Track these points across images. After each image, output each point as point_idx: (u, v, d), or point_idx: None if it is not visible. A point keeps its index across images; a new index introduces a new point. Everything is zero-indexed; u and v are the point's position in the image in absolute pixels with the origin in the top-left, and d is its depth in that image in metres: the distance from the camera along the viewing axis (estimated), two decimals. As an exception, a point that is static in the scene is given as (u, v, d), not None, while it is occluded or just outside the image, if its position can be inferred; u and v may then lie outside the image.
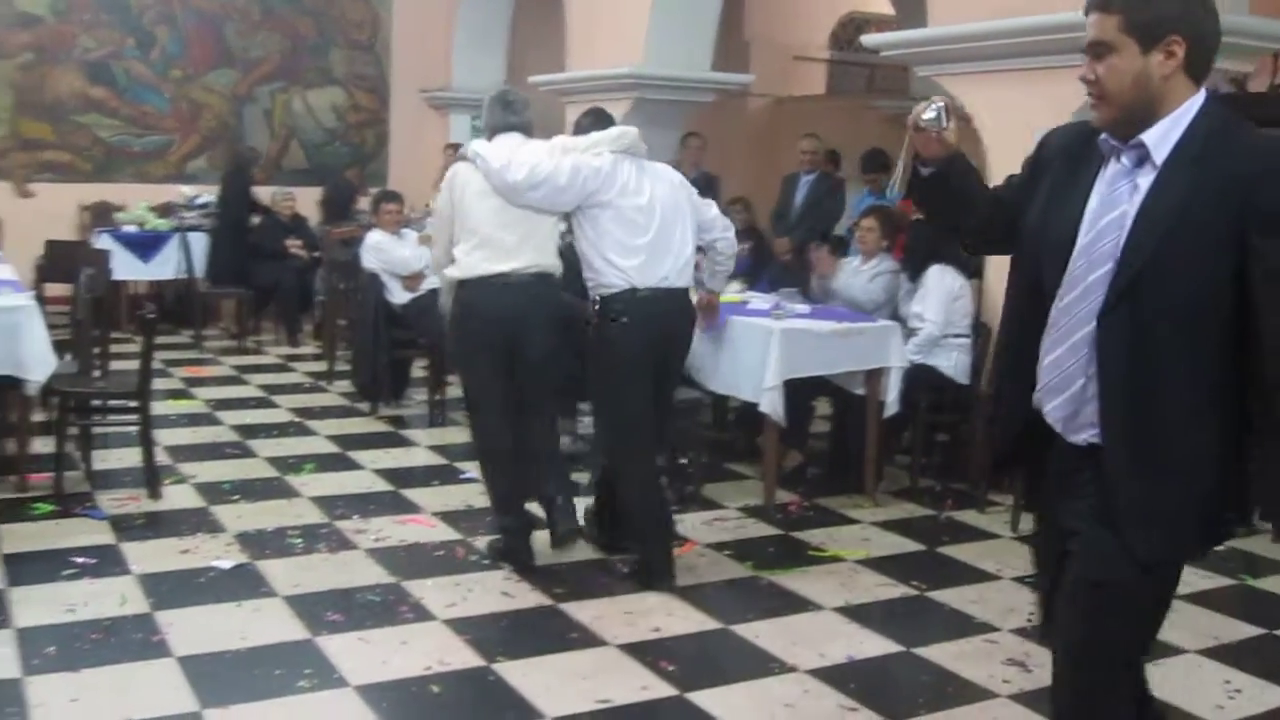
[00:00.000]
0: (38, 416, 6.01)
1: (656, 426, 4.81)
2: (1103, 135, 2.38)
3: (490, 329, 4.71)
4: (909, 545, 5.36)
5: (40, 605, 4.22)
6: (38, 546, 4.84)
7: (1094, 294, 2.33)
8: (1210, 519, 2.39)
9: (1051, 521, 2.53)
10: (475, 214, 4.71)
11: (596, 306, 4.69)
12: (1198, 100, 2.33)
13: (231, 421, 7.16)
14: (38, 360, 5.31)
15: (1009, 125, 6.15)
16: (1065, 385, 2.38)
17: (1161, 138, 2.31)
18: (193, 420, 7.20)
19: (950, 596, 4.73)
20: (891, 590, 4.79)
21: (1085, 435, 2.38)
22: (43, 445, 5.74)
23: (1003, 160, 6.22)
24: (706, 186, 9.13)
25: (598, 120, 4.93)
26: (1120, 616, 2.41)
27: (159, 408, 6.71)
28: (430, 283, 7.23)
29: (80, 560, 4.70)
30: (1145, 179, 2.32)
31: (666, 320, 4.70)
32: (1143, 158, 2.33)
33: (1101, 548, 2.36)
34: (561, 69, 10.08)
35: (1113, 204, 2.34)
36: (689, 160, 9.20)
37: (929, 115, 2.56)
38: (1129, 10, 2.30)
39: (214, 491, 5.69)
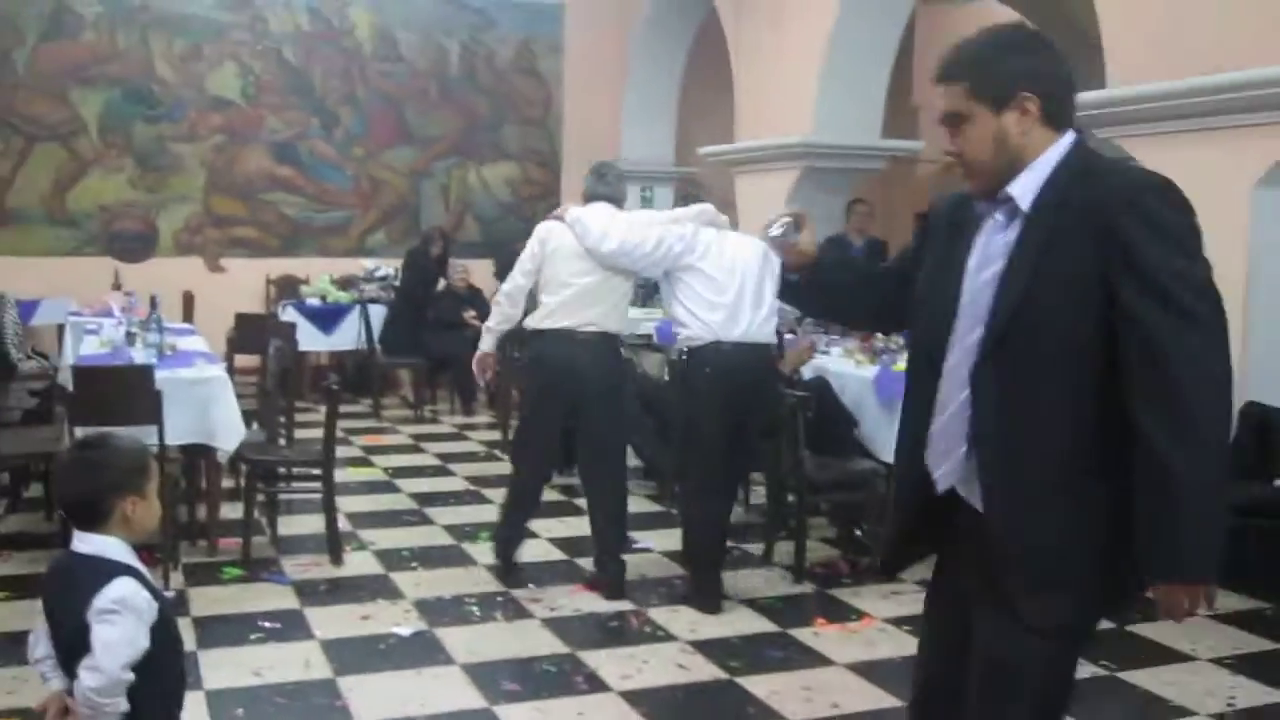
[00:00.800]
0: (227, 483, 6.22)
1: (732, 469, 5.35)
2: (980, 206, 2.39)
3: (556, 378, 5.26)
4: (1102, 623, 5.13)
5: (228, 668, 4.34)
6: (226, 610, 4.99)
7: (972, 354, 2.29)
8: (1115, 575, 2.28)
9: (951, 595, 2.52)
10: (565, 271, 5.27)
11: (684, 357, 5.22)
12: (1062, 144, 2.31)
13: (410, 490, 7.30)
14: (229, 429, 5.51)
15: (1195, 187, 5.90)
16: (950, 450, 2.34)
17: (1026, 188, 2.28)
18: (372, 488, 7.36)
19: (1142, 678, 4.52)
20: (1080, 669, 4.59)
21: (976, 500, 2.34)
22: (231, 511, 5.93)
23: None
24: (875, 253, 9.11)
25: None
26: (1025, 694, 2.33)
27: (340, 475, 6.89)
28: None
29: (266, 624, 4.82)
30: (1014, 232, 2.30)
31: (747, 370, 5.12)
32: (1013, 211, 2.30)
33: (998, 622, 2.32)
34: (730, 139, 10.14)
35: (987, 262, 2.31)
36: (855, 227, 9.17)
37: (775, 231, 2.63)
38: (973, 77, 2.29)
39: (393, 558, 5.80)
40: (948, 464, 2.36)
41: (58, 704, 2.53)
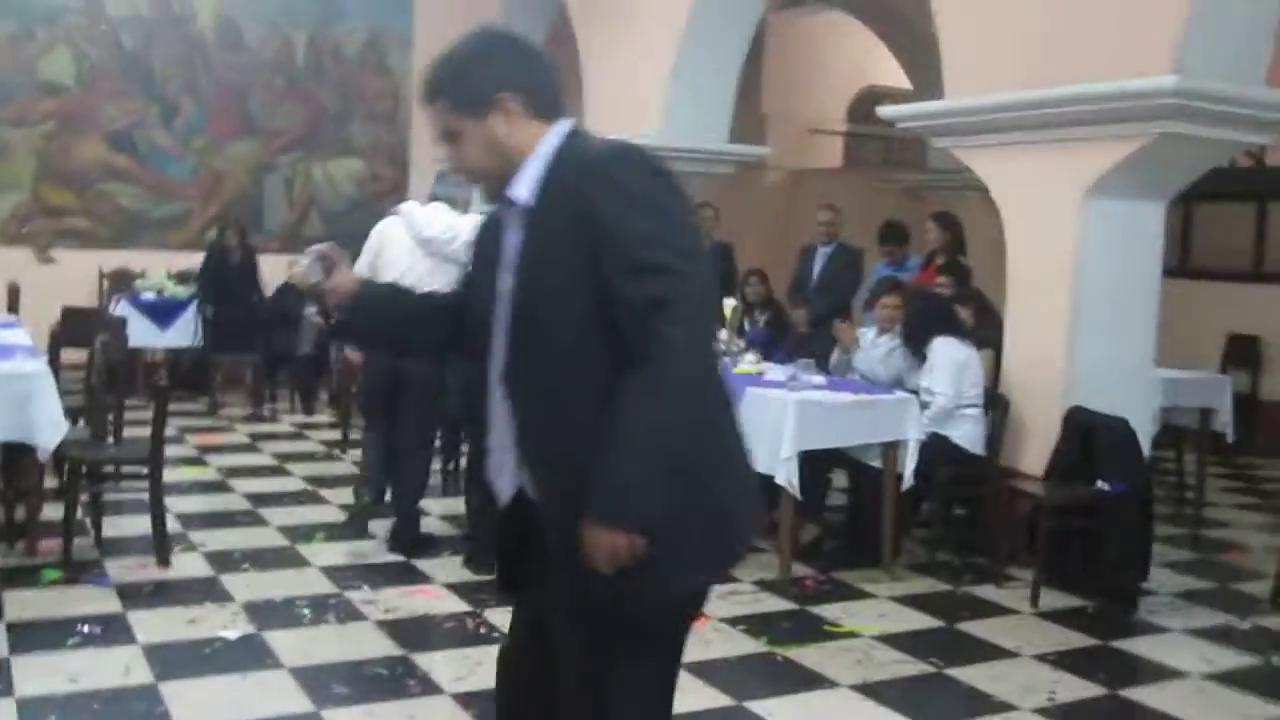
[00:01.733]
0: (50, 483, 5.98)
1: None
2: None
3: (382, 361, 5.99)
4: (927, 621, 5.26)
5: (43, 674, 4.16)
6: (44, 614, 4.79)
7: (493, 358, 2.37)
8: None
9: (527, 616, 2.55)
10: (395, 260, 5.88)
11: None
12: (555, 134, 2.34)
13: (244, 490, 7.12)
14: (49, 426, 5.29)
15: (1028, 199, 6.14)
16: (503, 460, 2.38)
17: (525, 184, 2.31)
18: (205, 488, 7.16)
19: (969, 674, 4.63)
20: (909, 667, 4.69)
21: (520, 484, 2.38)
22: (53, 511, 5.69)
23: (1022, 233, 6.21)
24: (723, 257, 9.19)
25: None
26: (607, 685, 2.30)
27: (172, 475, 6.68)
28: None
29: (86, 629, 4.64)
30: (520, 231, 2.33)
31: None
32: (520, 211, 2.33)
33: (573, 637, 2.30)
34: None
35: (505, 268, 2.35)
36: (701, 231, 9.21)
37: (300, 276, 2.61)
38: (449, 95, 2.34)
39: (224, 560, 5.64)
40: (505, 474, 2.39)
41: None
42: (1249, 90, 5.55)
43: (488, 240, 2.47)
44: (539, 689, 2.44)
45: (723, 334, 6.72)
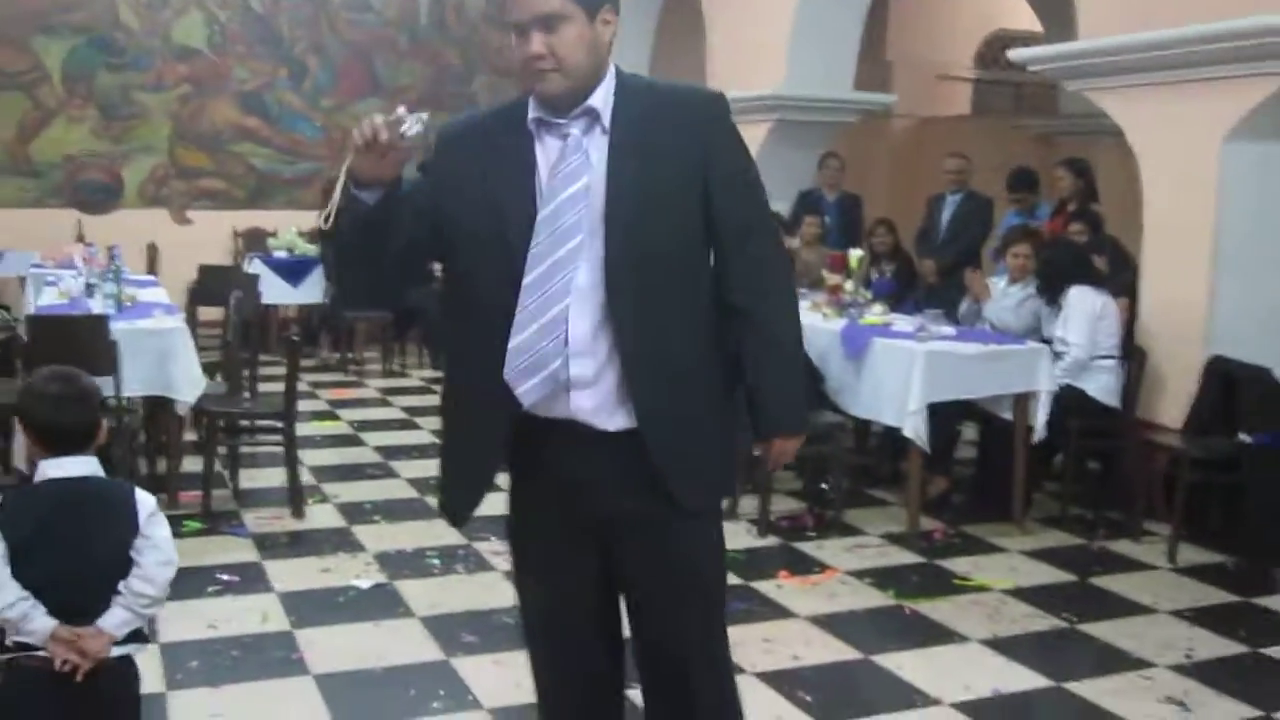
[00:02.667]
0: (189, 437, 6.16)
1: None
2: (531, 115, 2.36)
3: None
4: (1060, 575, 5.16)
5: (185, 621, 4.29)
6: (185, 563, 4.88)
7: (565, 270, 2.29)
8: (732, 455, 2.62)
9: (569, 525, 2.48)
10: None
11: None
12: (612, 68, 2.41)
13: (375, 443, 7.25)
14: (188, 381, 5.45)
15: (1165, 141, 5.92)
16: (540, 366, 2.30)
17: (604, 97, 2.36)
18: (336, 442, 7.31)
19: (1103, 630, 4.53)
20: (1041, 622, 4.61)
21: (618, 420, 2.36)
22: (192, 464, 5.87)
23: (1159, 178, 6.00)
24: (851, 207, 9.06)
25: None
26: (712, 585, 2.57)
27: (305, 429, 6.84)
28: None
29: (225, 577, 4.78)
30: (598, 145, 2.34)
31: None
32: (591, 125, 2.36)
33: (668, 528, 2.42)
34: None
35: (571, 177, 2.31)
36: (827, 181, 9.09)
37: (417, 129, 2.28)
38: None
39: (356, 512, 5.76)
40: (536, 379, 2.30)
41: (68, 638, 2.57)
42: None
43: (473, 149, 2.39)
44: (604, 632, 2.60)
45: (848, 285, 6.63)
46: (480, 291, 2.37)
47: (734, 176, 2.41)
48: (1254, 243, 5.74)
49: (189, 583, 4.68)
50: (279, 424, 5.70)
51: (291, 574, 4.86)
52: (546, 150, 2.35)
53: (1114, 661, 4.23)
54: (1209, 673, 4.16)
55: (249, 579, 4.79)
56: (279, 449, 5.76)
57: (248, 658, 4.05)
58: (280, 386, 5.83)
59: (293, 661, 4.03)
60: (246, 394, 6.59)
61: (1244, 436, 5.32)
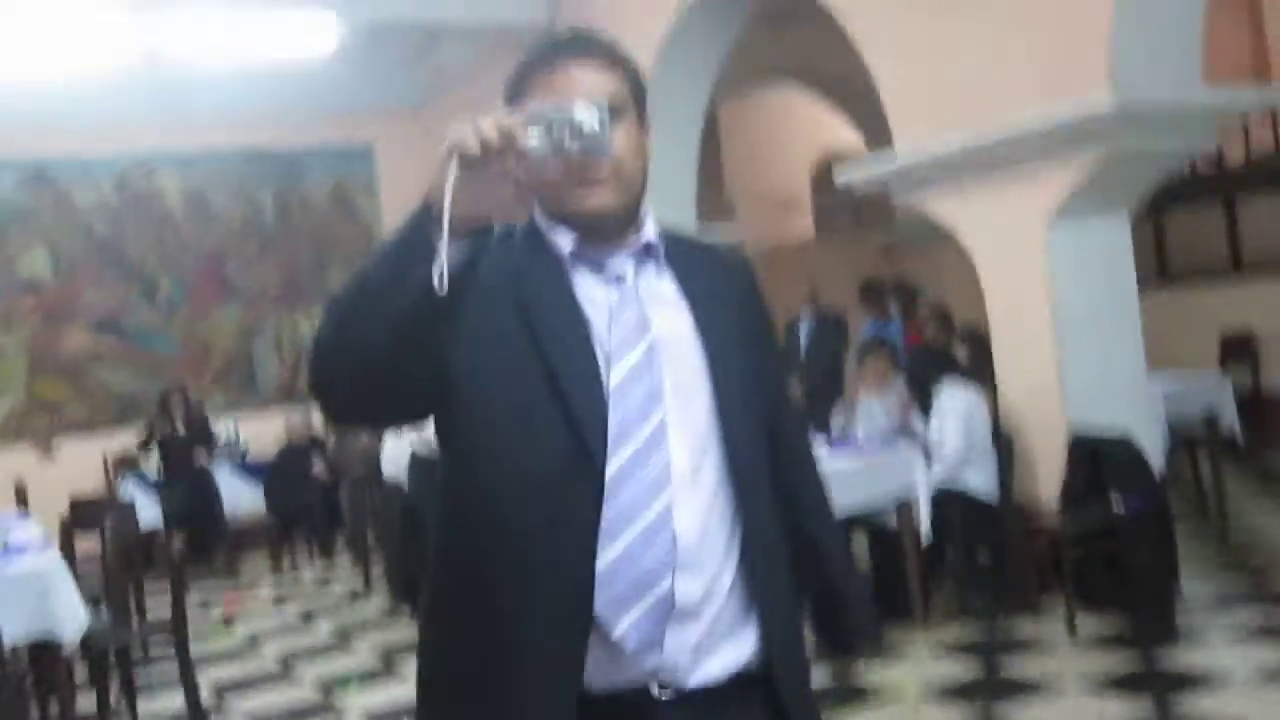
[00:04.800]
0: (80, 673, 5.97)
1: None
2: (567, 246, 1.73)
3: None
4: (969, 666, 5.24)
5: None
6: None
7: (658, 449, 1.66)
8: None
9: None
10: None
11: None
12: None
13: (273, 650, 7.10)
14: (70, 617, 5.30)
15: (993, 235, 6.22)
16: (646, 586, 1.63)
17: (652, 229, 1.80)
18: (234, 654, 7.14)
19: (1018, 713, 4.60)
20: (959, 715, 4.67)
21: (723, 661, 1.70)
22: (87, 702, 5.68)
23: (994, 269, 6.28)
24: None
25: None
26: None
27: (200, 646, 6.67)
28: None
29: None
30: (657, 292, 1.77)
31: None
32: (641, 264, 1.78)
33: None
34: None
35: (637, 332, 1.71)
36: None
37: (591, 126, 1.56)
38: (630, 71, 1.80)
39: (262, 722, 5.63)
40: (640, 609, 1.63)
41: None
42: (1187, 94, 5.65)
43: (528, 288, 1.71)
44: None
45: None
46: (527, 481, 1.66)
47: (775, 355, 2.03)
48: (1093, 314, 6.02)
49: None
50: (171, 645, 5.56)
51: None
52: (589, 293, 1.73)
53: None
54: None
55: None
56: (175, 670, 5.62)
57: None
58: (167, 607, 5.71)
59: None
60: (135, 620, 6.42)
61: (1117, 504, 5.52)
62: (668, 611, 1.62)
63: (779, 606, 1.76)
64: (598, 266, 1.76)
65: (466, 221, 1.52)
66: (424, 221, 1.54)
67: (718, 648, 1.69)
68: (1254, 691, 4.53)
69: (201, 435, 10.53)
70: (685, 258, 1.82)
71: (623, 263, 1.77)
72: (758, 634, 1.73)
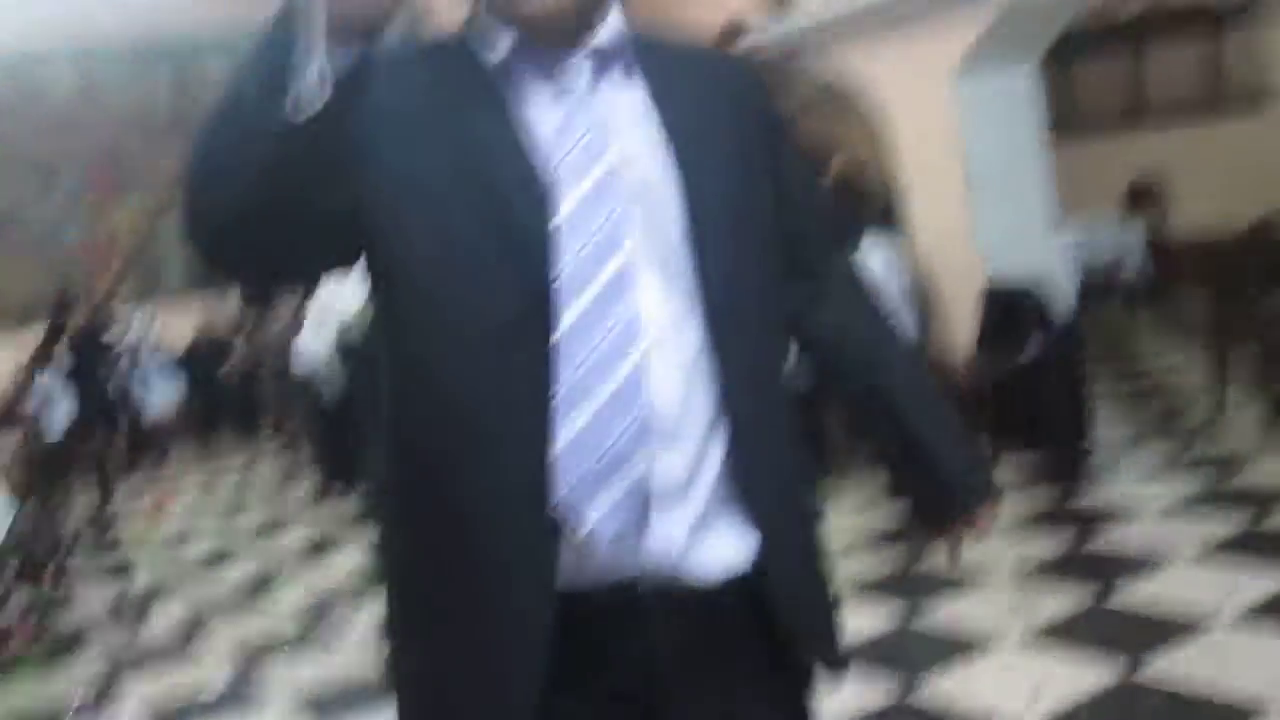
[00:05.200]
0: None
1: None
2: (499, 53, 1.41)
3: None
4: (891, 514, 5.39)
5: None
6: (32, 702, 4.79)
7: (623, 297, 1.35)
8: None
9: None
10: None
11: None
12: None
13: (203, 538, 7.10)
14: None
15: (902, 90, 6.24)
16: (615, 468, 1.34)
17: (615, 41, 1.44)
18: (163, 546, 7.14)
19: (940, 558, 4.75)
20: (883, 561, 4.81)
21: (721, 556, 1.42)
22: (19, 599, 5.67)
23: (904, 125, 6.31)
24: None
25: None
26: None
27: (129, 541, 6.67)
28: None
29: (77, 704, 4.65)
30: (619, 102, 1.43)
31: None
32: (601, 70, 1.44)
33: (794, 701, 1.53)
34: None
35: (594, 150, 1.39)
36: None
37: None
38: None
39: (206, 608, 5.65)
40: (614, 494, 1.34)
41: None
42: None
43: (455, 103, 1.39)
44: None
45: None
46: (468, 343, 1.37)
47: (807, 196, 1.65)
48: (1003, 166, 6.09)
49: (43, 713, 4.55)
50: (98, 542, 5.55)
51: (145, 686, 4.75)
52: (534, 109, 1.40)
53: (953, 583, 4.44)
54: (1045, 572, 4.41)
55: (102, 701, 4.67)
56: (104, 565, 5.62)
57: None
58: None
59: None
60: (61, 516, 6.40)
61: (1028, 351, 5.65)
62: (646, 496, 1.35)
63: (780, 496, 1.47)
64: (544, 74, 1.42)
65: (349, 20, 1.16)
66: (290, 20, 1.16)
67: (713, 539, 1.41)
68: (1161, 524, 4.71)
69: (110, 328, 10.35)
70: (663, 64, 1.48)
71: (577, 69, 1.42)
72: (756, 529, 1.43)
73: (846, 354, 1.64)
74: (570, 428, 1.34)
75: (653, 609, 1.39)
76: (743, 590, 1.43)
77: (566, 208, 1.36)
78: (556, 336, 1.34)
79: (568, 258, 1.35)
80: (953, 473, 1.64)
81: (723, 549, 1.42)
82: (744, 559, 1.43)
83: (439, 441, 1.40)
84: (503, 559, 1.37)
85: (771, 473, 1.46)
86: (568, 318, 1.34)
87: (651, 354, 1.36)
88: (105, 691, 4.69)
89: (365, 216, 1.35)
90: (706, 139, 1.45)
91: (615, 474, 1.34)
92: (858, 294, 1.67)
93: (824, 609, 1.54)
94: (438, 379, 1.39)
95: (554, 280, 1.34)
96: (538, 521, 1.35)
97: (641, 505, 1.35)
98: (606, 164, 1.39)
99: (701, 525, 1.40)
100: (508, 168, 1.37)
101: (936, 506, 1.67)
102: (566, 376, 1.34)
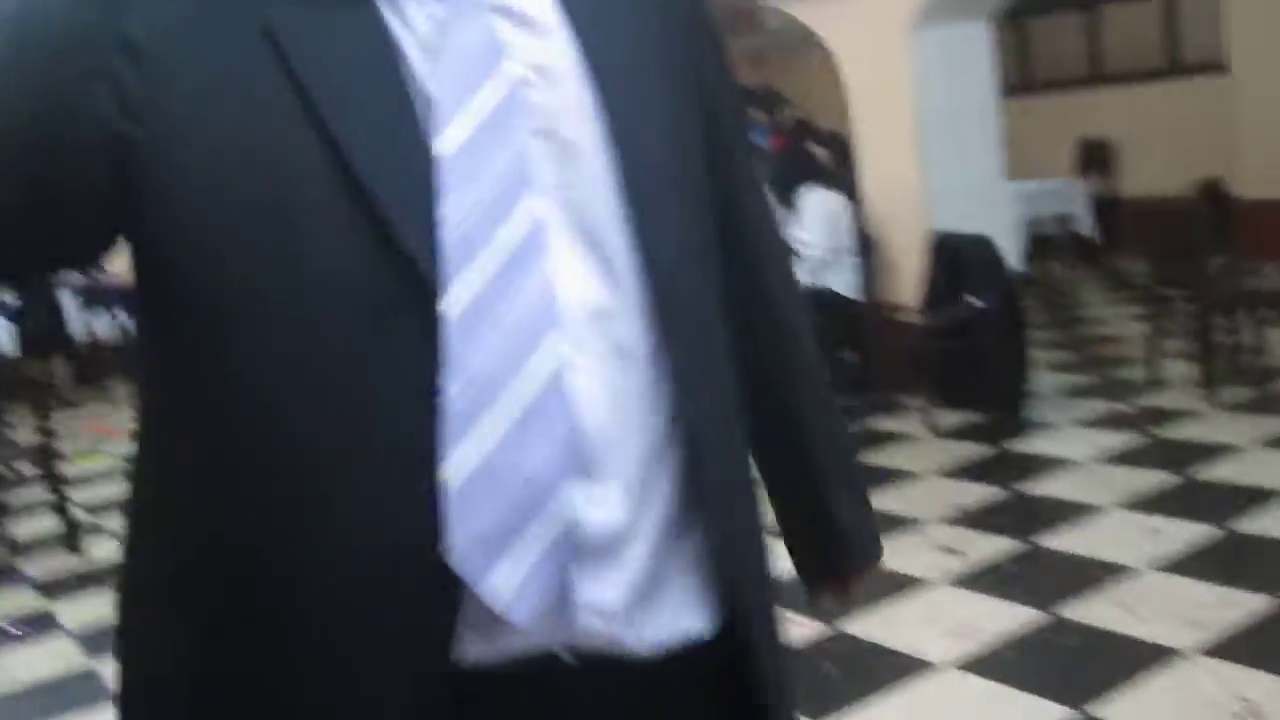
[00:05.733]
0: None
1: None
2: None
3: None
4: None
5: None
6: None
7: (531, 268, 0.95)
8: None
9: None
10: None
11: None
12: None
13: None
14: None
15: (858, 39, 6.26)
16: (529, 512, 0.94)
17: None
18: (107, 476, 7.11)
19: (879, 501, 4.77)
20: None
21: (680, 620, 1.04)
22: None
23: (858, 72, 6.33)
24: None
25: None
26: None
27: (71, 469, 6.63)
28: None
29: (13, 630, 4.65)
30: (538, 24, 1.02)
31: None
32: None
33: None
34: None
35: (485, 62, 0.98)
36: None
37: None
38: None
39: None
40: (546, 557, 0.95)
41: None
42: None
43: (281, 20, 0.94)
44: None
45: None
46: (303, 342, 0.94)
47: (734, 116, 1.26)
48: (953, 119, 6.13)
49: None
50: (39, 469, 5.53)
51: (83, 611, 4.76)
52: (398, 6, 0.98)
53: (893, 525, 4.52)
54: (979, 518, 4.50)
55: (39, 625, 4.67)
56: (46, 495, 5.59)
57: (52, 701, 3.97)
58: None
59: (103, 696, 3.97)
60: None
61: (972, 301, 5.72)
62: (572, 547, 0.95)
63: (746, 532, 1.12)
64: None
65: None
66: None
67: (662, 598, 1.03)
68: (1094, 474, 4.81)
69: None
70: None
71: None
72: (718, 577, 1.06)
73: (764, 362, 1.24)
74: (465, 453, 0.92)
75: (578, 689, 1.01)
76: (695, 658, 1.05)
77: (453, 140, 0.94)
78: (441, 324, 0.92)
79: (457, 209, 0.93)
80: (850, 529, 1.32)
81: (675, 610, 1.04)
82: (703, 622, 1.06)
83: (253, 490, 0.95)
84: (362, 640, 0.94)
85: (736, 504, 1.11)
86: (457, 297, 0.92)
87: (576, 352, 0.96)
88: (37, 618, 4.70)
89: (130, 175, 0.91)
90: (633, 46, 1.07)
91: (529, 517, 0.93)
92: (780, 279, 1.29)
93: (787, 672, 1.19)
94: (252, 394, 0.94)
95: (434, 241, 0.92)
96: (418, 585, 0.93)
97: (567, 557, 0.95)
98: (505, 77, 0.97)
99: (648, 580, 1.01)
100: (358, 82, 0.93)
101: (827, 561, 1.35)
102: (456, 380, 0.92)
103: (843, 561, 1.35)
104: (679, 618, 1.04)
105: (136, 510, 1.08)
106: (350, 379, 0.93)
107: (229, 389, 0.95)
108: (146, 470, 1.07)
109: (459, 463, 0.92)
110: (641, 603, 1.01)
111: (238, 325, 0.94)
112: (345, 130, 0.92)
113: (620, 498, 0.98)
